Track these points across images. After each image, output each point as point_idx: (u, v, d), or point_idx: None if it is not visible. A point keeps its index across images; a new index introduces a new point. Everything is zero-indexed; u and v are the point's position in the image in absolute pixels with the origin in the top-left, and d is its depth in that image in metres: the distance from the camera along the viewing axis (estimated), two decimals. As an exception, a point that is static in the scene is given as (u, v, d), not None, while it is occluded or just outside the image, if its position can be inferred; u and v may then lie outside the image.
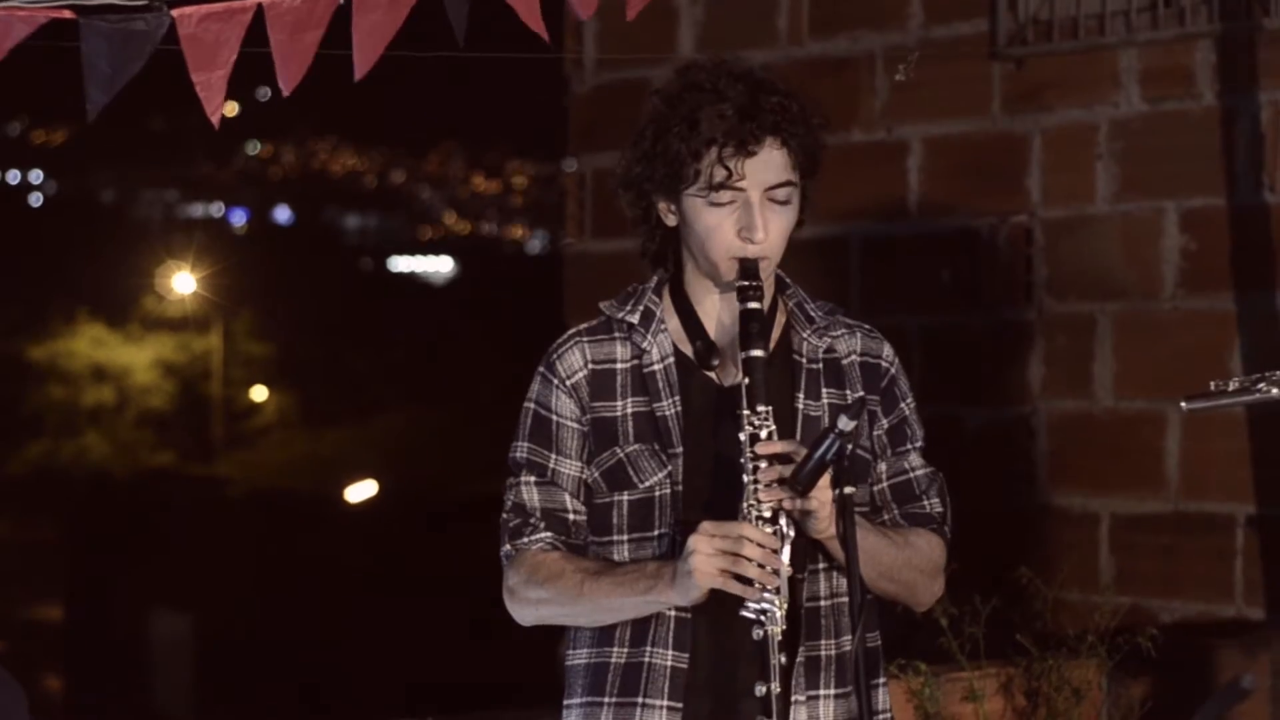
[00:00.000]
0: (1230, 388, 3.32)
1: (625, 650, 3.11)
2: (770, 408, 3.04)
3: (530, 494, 3.17)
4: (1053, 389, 6.08)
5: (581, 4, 3.06)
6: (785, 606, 2.99)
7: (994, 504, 6.06)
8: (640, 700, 3.08)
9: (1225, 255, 5.77)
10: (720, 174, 3.07)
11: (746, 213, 3.08)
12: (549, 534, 3.15)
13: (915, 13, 6.32)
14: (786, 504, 3.00)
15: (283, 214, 38.63)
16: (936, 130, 6.29)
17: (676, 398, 3.13)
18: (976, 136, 6.23)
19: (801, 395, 3.16)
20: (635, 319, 3.18)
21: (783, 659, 3.02)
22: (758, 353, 3.05)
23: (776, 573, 2.97)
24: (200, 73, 2.88)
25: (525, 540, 3.15)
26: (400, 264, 38.48)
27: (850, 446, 2.96)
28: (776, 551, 2.98)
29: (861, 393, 3.18)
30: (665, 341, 3.17)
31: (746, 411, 3.03)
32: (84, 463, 28.77)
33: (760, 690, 3.03)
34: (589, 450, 3.15)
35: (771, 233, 3.09)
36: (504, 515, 3.19)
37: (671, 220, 3.17)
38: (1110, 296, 5.98)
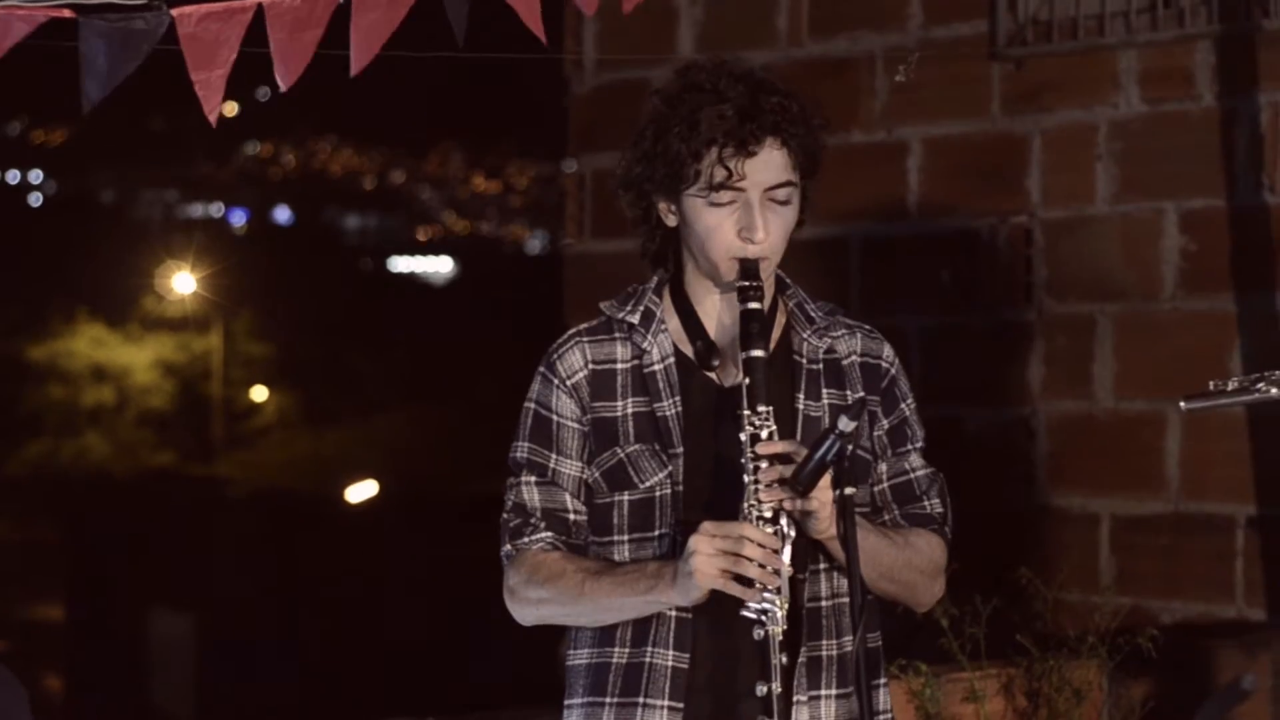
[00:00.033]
0: (1229, 387, 3.32)
1: (626, 651, 3.11)
2: (771, 408, 3.04)
3: (531, 494, 3.17)
4: (1053, 390, 6.08)
5: (585, 1, 3.06)
6: (786, 606, 2.99)
7: (994, 505, 6.05)
8: (641, 700, 3.08)
9: (1225, 256, 5.77)
10: (720, 174, 3.07)
11: (747, 213, 3.08)
12: (549, 534, 3.15)
13: (915, 13, 6.32)
14: (787, 504, 3.00)
15: (282, 214, 38.61)
16: (936, 131, 6.29)
17: (677, 398, 3.13)
18: (976, 137, 6.23)
19: (802, 396, 3.16)
20: (635, 319, 3.18)
21: (783, 659, 3.02)
22: (758, 353, 3.05)
23: (777, 573, 2.97)
24: (199, 72, 2.88)
25: (526, 540, 3.15)
26: (400, 264, 38.46)
27: (851, 447, 2.96)
28: (777, 551, 2.98)
29: (862, 393, 3.19)
30: (665, 342, 3.17)
31: (747, 411, 3.03)
32: (84, 463, 28.76)
33: (761, 690, 3.03)
34: (589, 450, 3.15)
35: (772, 233, 3.09)
36: (504, 515, 3.19)
37: (672, 220, 3.17)
38: (1110, 297, 5.98)
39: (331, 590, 20.21)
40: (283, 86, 2.95)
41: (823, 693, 3.10)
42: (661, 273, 3.24)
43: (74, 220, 33.47)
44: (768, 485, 3.00)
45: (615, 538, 3.13)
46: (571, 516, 3.16)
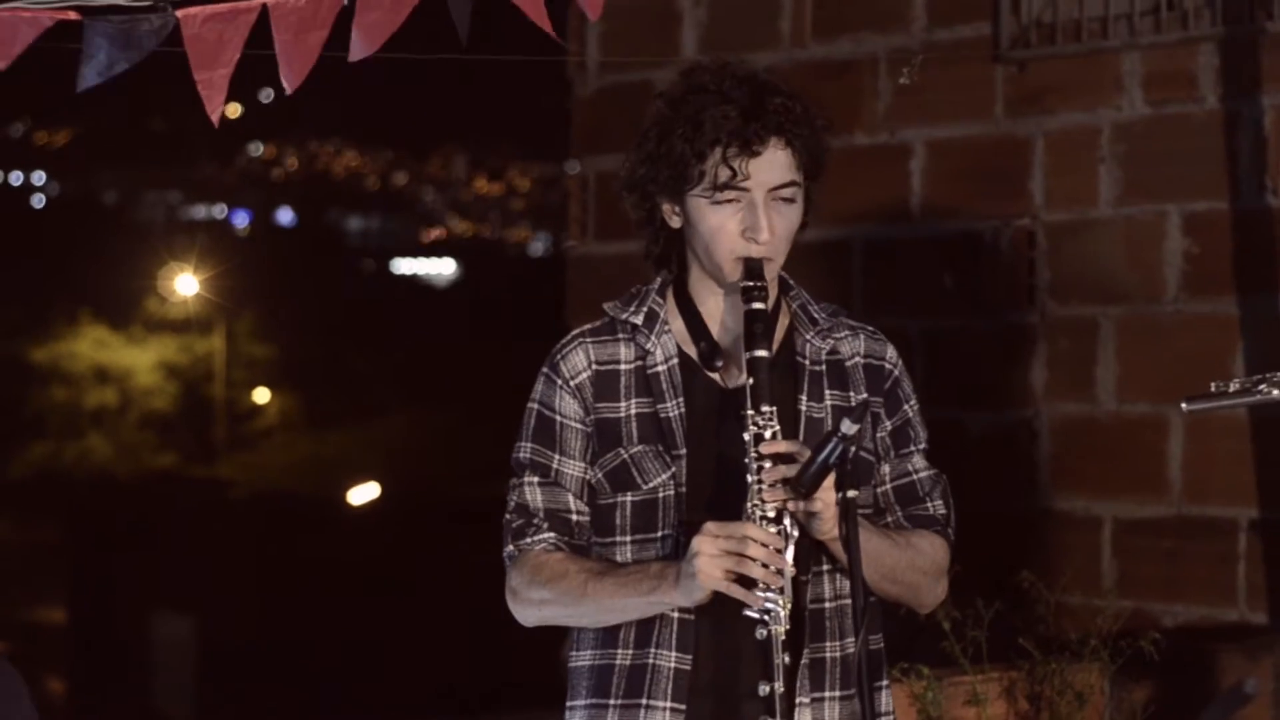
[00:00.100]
0: (1231, 389, 3.32)
1: (630, 652, 3.11)
2: (775, 408, 3.04)
3: (534, 494, 3.17)
4: (1055, 392, 6.08)
5: (590, 5, 3.06)
6: (789, 606, 2.99)
7: (996, 507, 6.05)
8: (644, 702, 3.08)
9: (1228, 259, 5.77)
10: (725, 174, 3.07)
11: (751, 213, 3.08)
12: (552, 534, 3.15)
13: (918, 16, 6.32)
14: (790, 504, 3.00)
15: (285, 216, 38.63)
16: (939, 133, 6.29)
17: (680, 399, 3.14)
18: (979, 140, 6.22)
19: (804, 397, 3.16)
20: (639, 320, 3.19)
21: (786, 659, 3.02)
22: (762, 353, 3.05)
23: (780, 572, 2.97)
24: (203, 72, 2.88)
25: (528, 541, 3.15)
26: (403, 266, 38.48)
27: (853, 449, 2.96)
28: (781, 551, 2.98)
29: (865, 394, 3.19)
30: (669, 343, 3.17)
31: (751, 411, 3.03)
32: (86, 464, 28.78)
33: (764, 690, 3.03)
34: (593, 451, 3.15)
35: (776, 233, 3.09)
36: (507, 516, 3.19)
37: (675, 222, 3.17)
38: (1113, 300, 5.98)
39: (333, 592, 20.21)
40: (288, 89, 2.95)
41: (826, 694, 3.10)
42: (665, 274, 3.24)
43: (77, 222, 33.50)
44: (771, 485, 3.00)
45: (618, 538, 3.13)
46: (574, 517, 3.16)
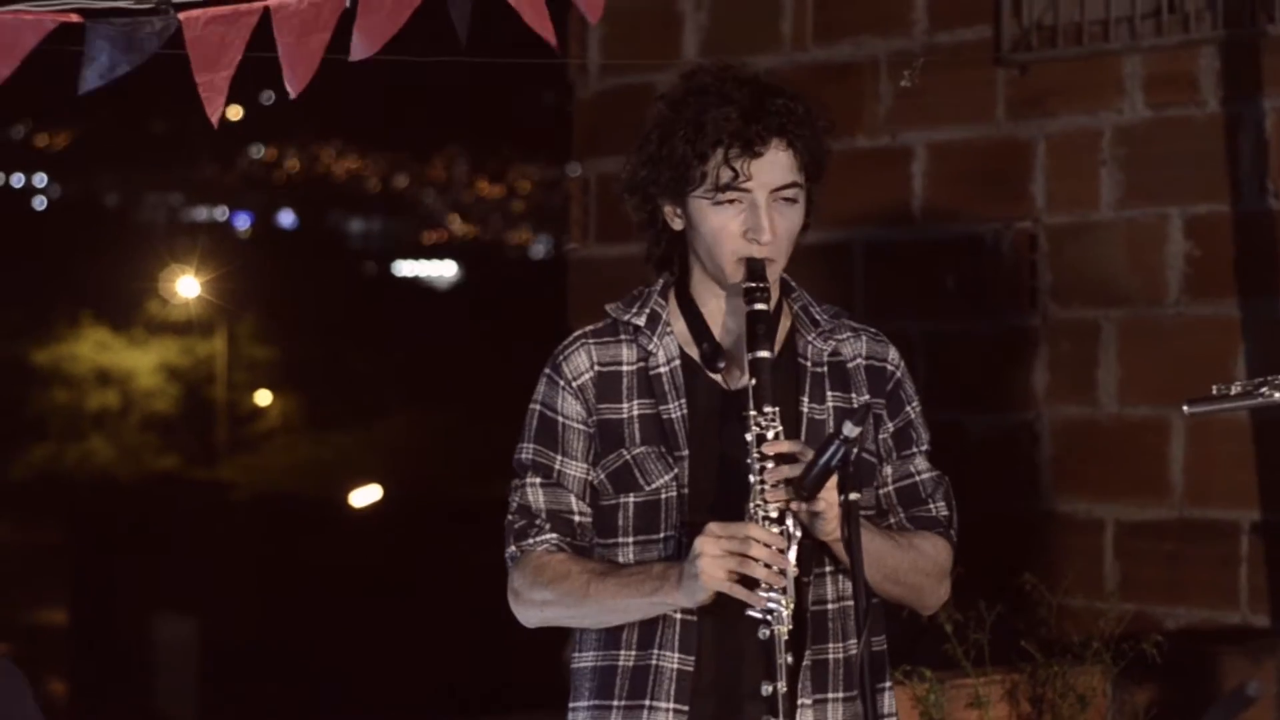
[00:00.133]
0: (1232, 391, 3.32)
1: (633, 653, 3.11)
2: (777, 409, 3.04)
3: (536, 495, 3.17)
4: (1057, 395, 6.08)
5: (590, 8, 3.06)
6: (792, 606, 2.99)
7: (998, 510, 6.05)
8: (647, 703, 3.09)
9: (1229, 261, 5.77)
10: (726, 175, 3.08)
11: (753, 214, 3.09)
12: (554, 535, 3.15)
13: (919, 18, 6.32)
14: (793, 505, 3.00)
15: (287, 218, 38.61)
16: (940, 136, 6.29)
17: (682, 400, 3.14)
18: (980, 142, 6.23)
19: (806, 398, 3.16)
20: (641, 321, 3.19)
21: (789, 659, 3.02)
22: (764, 354, 3.06)
23: (783, 572, 2.97)
24: (204, 73, 2.88)
25: (530, 542, 3.15)
26: (404, 268, 38.45)
27: (855, 451, 2.96)
28: (783, 551, 2.98)
29: (867, 396, 3.19)
30: (671, 344, 3.17)
31: (753, 412, 3.03)
32: (88, 466, 28.77)
33: (766, 690, 3.03)
34: (595, 452, 3.15)
35: (778, 234, 3.10)
36: (509, 517, 3.19)
37: (677, 224, 3.18)
38: (1114, 302, 5.98)
39: (334, 594, 20.21)
40: (291, 92, 2.95)
41: (829, 696, 3.10)
42: (667, 275, 3.24)
43: (78, 224, 33.48)
44: (773, 485, 3.00)
45: (620, 539, 3.13)
46: (576, 518, 3.16)
